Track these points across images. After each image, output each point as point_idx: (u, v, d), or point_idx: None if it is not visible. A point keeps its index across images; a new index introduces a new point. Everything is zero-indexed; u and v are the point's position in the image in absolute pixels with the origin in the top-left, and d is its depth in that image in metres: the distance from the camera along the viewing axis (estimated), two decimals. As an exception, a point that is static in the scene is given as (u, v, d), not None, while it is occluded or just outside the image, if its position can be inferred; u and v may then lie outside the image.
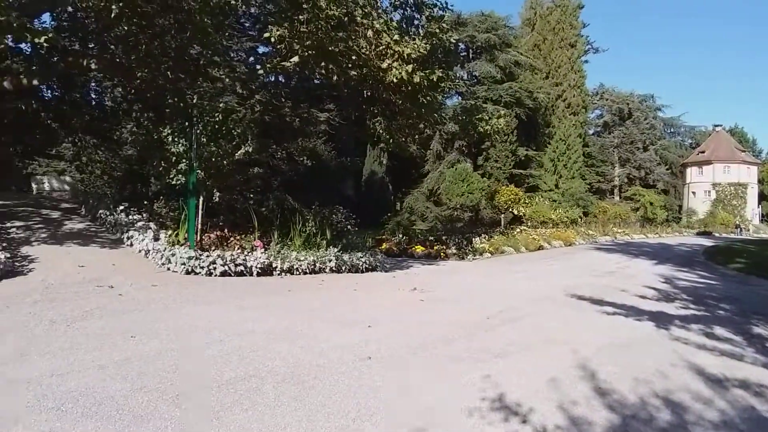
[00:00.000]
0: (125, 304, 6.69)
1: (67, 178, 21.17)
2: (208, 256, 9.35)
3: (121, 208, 11.63)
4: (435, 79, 10.14)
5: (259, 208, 12.91)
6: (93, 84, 18.08)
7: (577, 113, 39.40)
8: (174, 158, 10.50)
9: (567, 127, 37.38)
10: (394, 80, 9.95)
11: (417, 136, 15.67)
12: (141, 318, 6.10)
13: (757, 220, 56.04)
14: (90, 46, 14.73)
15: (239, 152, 10.98)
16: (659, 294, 10.06)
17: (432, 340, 5.88)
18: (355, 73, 10.65)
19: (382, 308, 7.75)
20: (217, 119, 10.68)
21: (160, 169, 10.98)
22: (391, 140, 14.34)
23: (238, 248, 10.16)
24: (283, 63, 11.79)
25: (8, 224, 10.18)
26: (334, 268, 10.94)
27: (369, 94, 12.58)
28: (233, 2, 10.19)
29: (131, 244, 10.12)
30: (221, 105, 11.20)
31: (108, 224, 11.43)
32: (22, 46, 13.78)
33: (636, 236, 33.31)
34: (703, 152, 59.63)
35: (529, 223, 25.93)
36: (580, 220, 31.66)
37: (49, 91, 17.80)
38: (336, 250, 11.27)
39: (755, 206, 57.53)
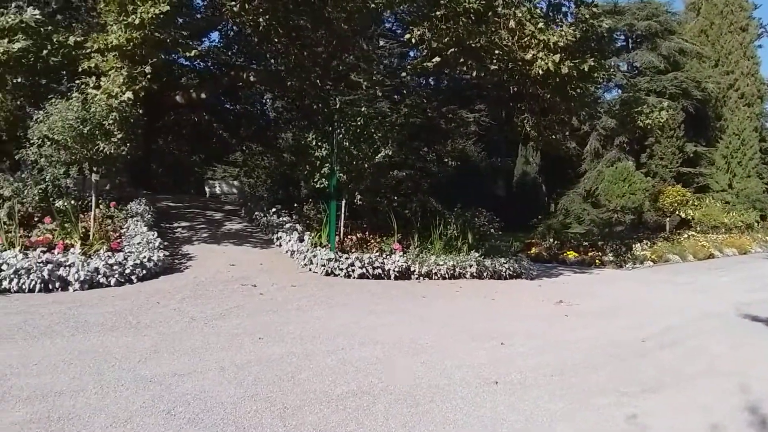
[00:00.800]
0: (263, 304, 6.92)
1: (235, 182, 23.18)
2: (347, 258, 9.43)
3: (273, 210, 12.27)
4: (586, 69, 9.18)
5: (403, 210, 12.84)
6: (257, 96, 19.68)
7: (752, 104, 34.05)
8: (318, 162, 10.84)
9: (740, 120, 32.49)
10: (540, 72, 9.20)
11: (569, 133, 14.55)
12: (273, 319, 6.23)
13: None
14: (253, 61, 15.99)
15: (379, 155, 10.98)
16: None
17: (572, 365, 5.16)
18: (497, 67, 10.06)
19: (520, 322, 7.11)
20: (359, 123, 10.80)
21: (305, 173, 11.40)
22: (540, 138, 13.47)
23: (377, 251, 10.14)
24: (424, 63, 11.62)
25: (175, 224, 11.29)
26: (474, 274, 10.43)
27: (515, 90, 11.94)
28: (372, 6, 10.21)
29: (280, 245, 10.60)
30: (363, 109, 11.31)
31: (262, 225, 12.15)
32: (197, 64, 15.41)
33: (821, 244, 27.90)
34: None
35: (698, 228, 22.89)
36: (756, 224, 27.23)
37: (220, 104, 19.73)
38: (477, 254, 10.73)
39: None
